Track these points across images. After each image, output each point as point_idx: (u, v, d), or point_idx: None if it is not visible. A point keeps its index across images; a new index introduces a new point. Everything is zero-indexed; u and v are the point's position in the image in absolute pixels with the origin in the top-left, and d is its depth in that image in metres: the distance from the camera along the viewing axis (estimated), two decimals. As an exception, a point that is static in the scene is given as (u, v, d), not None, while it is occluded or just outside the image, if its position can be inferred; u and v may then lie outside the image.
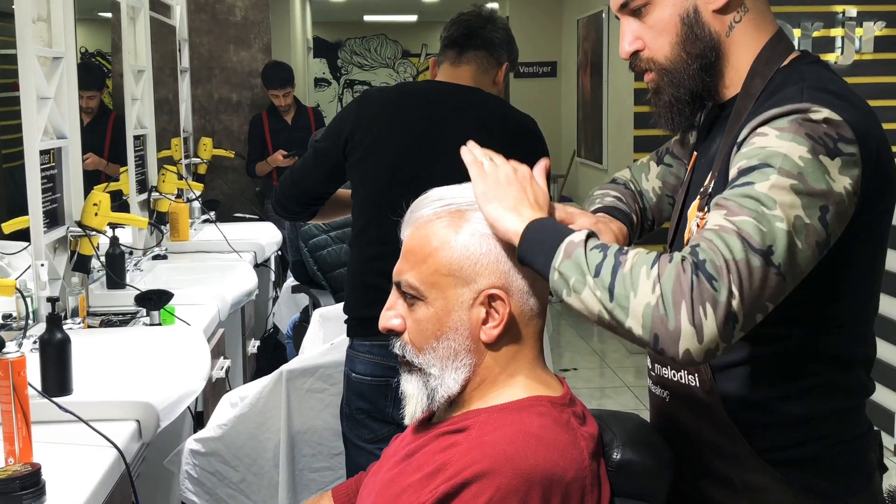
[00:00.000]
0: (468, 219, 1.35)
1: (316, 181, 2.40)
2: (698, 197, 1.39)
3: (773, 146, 1.22)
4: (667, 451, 1.41)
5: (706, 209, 1.35)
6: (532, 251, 1.27)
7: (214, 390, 3.03)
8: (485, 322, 1.33)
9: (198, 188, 4.58)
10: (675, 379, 1.43)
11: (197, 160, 5.36)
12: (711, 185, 1.36)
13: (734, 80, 1.40)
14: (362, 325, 2.29)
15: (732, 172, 1.25)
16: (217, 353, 3.04)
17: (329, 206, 2.47)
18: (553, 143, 8.32)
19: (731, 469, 1.37)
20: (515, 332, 1.35)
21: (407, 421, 1.37)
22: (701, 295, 1.13)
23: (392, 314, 1.38)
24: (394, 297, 1.39)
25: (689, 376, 1.41)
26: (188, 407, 2.56)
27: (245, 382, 3.50)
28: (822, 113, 1.23)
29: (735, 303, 1.14)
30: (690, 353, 1.14)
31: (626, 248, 1.23)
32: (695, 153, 1.53)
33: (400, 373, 1.38)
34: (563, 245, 1.23)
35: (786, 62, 1.38)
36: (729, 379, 1.37)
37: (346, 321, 2.36)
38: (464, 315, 1.33)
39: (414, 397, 1.35)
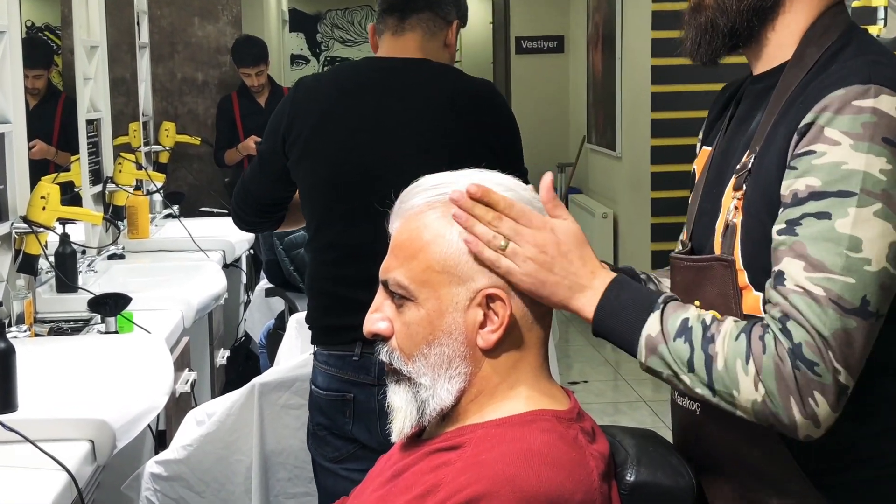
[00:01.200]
0: (465, 209, 1.35)
1: (266, 188, 2.39)
2: (734, 176, 1.40)
3: (849, 163, 1.24)
4: (688, 473, 1.41)
5: (743, 188, 1.36)
6: (609, 335, 1.35)
7: (178, 406, 3.03)
8: (482, 325, 1.34)
9: (159, 179, 4.58)
10: None
11: (158, 147, 5.35)
12: (751, 163, 1.36)
13: (783, 42, 1.41)
14: (321, 333, 2.30)
15: (799, 186, 1.26)
16: (181, 364, 3.04)
17: (295, 211, 2.45)
18: (560, 128, 8.34)
19: (773, 495, 1.37)
20: (517, 337, 1.36)
21: (394, 437, 1.37)
22: (808, 386, 1.22)
23: (378, 317, 1.38)
24: (380, 297, 1.39)
25: None
26: (149, 425, 2.56)
27: (213, 397, 3.50)
28: (893, 99, 1.25)
29: (842, 377, 1.22)
30: (812, 437, 1.25)
31: (708, 325, 1.28)
32: (706, 148, 1.54)
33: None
34: (643, 341, 1.31)
35: (842, 32, 1.39)
36: None
37: (308, 328, 2.37)
38: (458, 317, 1.33)
39: (402, 410, 1.35)
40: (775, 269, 1.27)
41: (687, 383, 1.28)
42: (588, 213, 7.07)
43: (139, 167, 4.34)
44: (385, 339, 1.37)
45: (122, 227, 4.12)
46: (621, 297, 1.33)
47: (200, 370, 3.58)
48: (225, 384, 4.16)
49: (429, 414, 1.35)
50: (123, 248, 3.95)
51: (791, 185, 1.27)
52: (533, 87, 8.37)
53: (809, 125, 1.28)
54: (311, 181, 2.29)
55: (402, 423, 1.36)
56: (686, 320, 1.29)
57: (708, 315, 1.29)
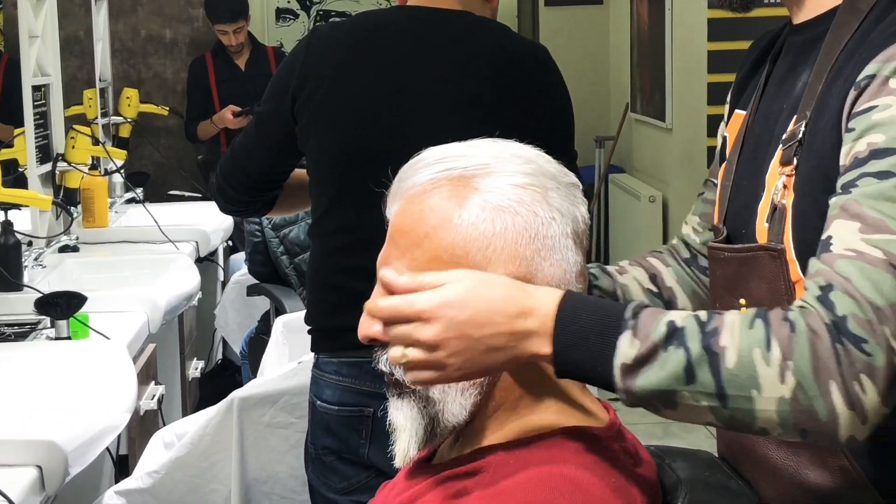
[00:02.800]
0: (477, 187, 1.34)
1: (263, 160, 2.37)
2: (780, 148, 1.40)
3: None
4: (750, 499, 1.41)
5: (793, 162, 1.36)
6: (574, 371, 1.24)
7: (143, 426, 3.04)
8: (501, 326, 1.33)
9: (119, 156, 4.59)
10: None
11: (118, 119, 5.36)
12: (802, 131, 1.36)
13: None
14: (327, 337, 2.29)
15: (860, 147, 1.25)
16: (146, 376, 3.05)
17: (290, 192, 2.45)
18: (599, 95, 8.32)
19: None
20: (543, 340, 1.35)
21: (398, 462, 1.37)
22: (852, 366, 1.15)
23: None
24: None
25: None
26: (107, 448, 2.56)
27: (184, 415, 3.51)
28: None
29: None
30: (855, 438, 1.17)
31: (705, 321, 1.20)
32: (739, 112, 1.55)
33: (387, 397, 1.38)
34: (616, 374, 1.21)
35: None
36: None
37: (308, 332, 2.36)
38: (472, 317, 1.33)
39: (407, 430, 1.35)
40: (823, 237, 1.24)
41: (687, 402, 1.19)
42: (632, 197, 7.05)
43: (96, 142, 4.34)
44: (384, 344, 1.35)
45: (75, 214, 4.13)
46: (579, 316, 1.23)
47: (169, 383, 3.59)
48: (198, 400, 4.17)
49: (439, 433, 1.35)
50: (77, 238, 3.96)
51: (851, 149, 1.26)
52: (566, 45, 8.34)
53: (870, 78, 1.28)
54: (321, 151, 2.28)
55: (406, 444, 1.35)
56: (672, 322, 1.21)
57: (701, 312, 1.23)
